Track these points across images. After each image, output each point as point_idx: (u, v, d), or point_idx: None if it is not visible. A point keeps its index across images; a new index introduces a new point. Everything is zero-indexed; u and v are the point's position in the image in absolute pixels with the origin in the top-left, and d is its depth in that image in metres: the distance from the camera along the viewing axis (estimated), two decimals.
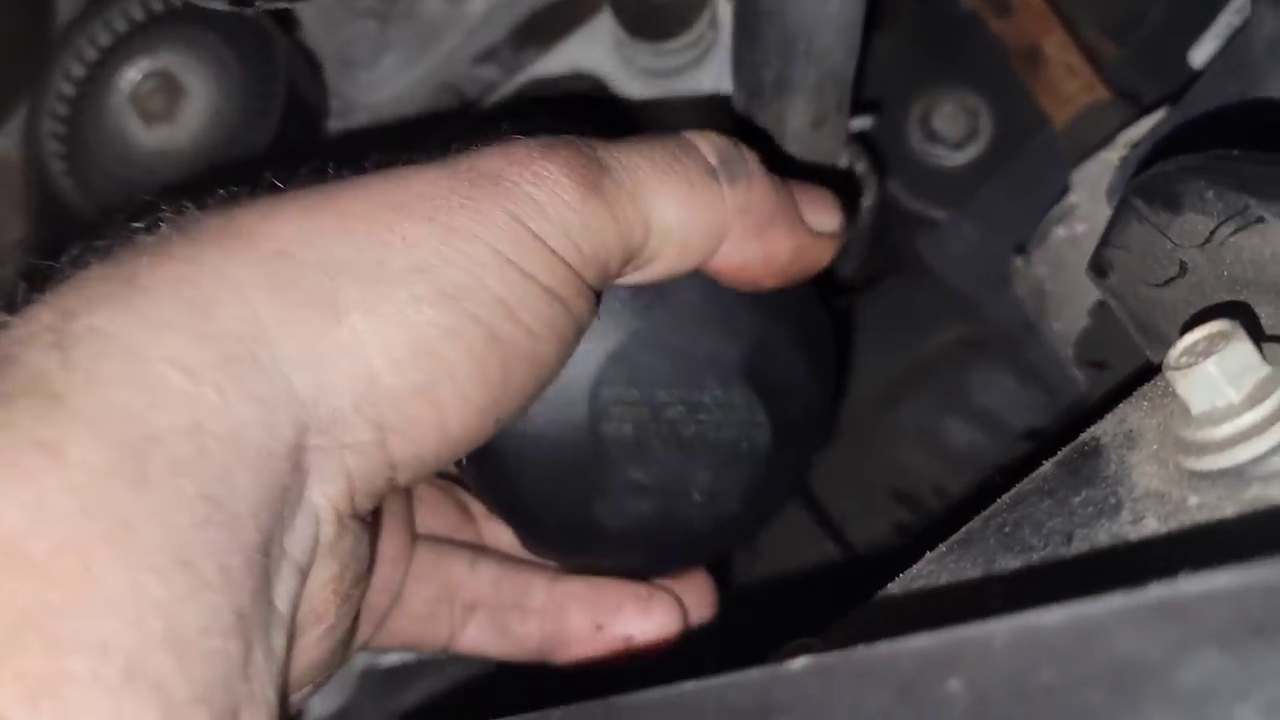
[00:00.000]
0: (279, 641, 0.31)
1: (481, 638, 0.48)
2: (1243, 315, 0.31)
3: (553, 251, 0.36)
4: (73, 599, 0.27)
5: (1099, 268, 0.42)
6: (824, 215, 0.44)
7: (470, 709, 0.53)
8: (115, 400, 0.29)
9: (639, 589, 0.48)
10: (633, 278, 0.41)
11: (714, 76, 0.67)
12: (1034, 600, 0.23)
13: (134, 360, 0.30)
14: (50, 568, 0.27)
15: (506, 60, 0.75)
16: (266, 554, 0.31)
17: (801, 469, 0.49)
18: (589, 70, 0.69)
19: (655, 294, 0.42)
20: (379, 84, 0.71)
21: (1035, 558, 0.31)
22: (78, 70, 0.65)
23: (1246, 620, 0.19)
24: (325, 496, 0.33)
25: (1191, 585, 0.20)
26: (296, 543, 0.32)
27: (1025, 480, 0.35)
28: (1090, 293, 0.60)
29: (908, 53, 0.83)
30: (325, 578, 0.34)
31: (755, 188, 0.41)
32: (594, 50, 0.69)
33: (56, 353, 0.30)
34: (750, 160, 0.42)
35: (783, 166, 0.44)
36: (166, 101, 0.64)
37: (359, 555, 0.36)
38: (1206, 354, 0.29)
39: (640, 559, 0.47)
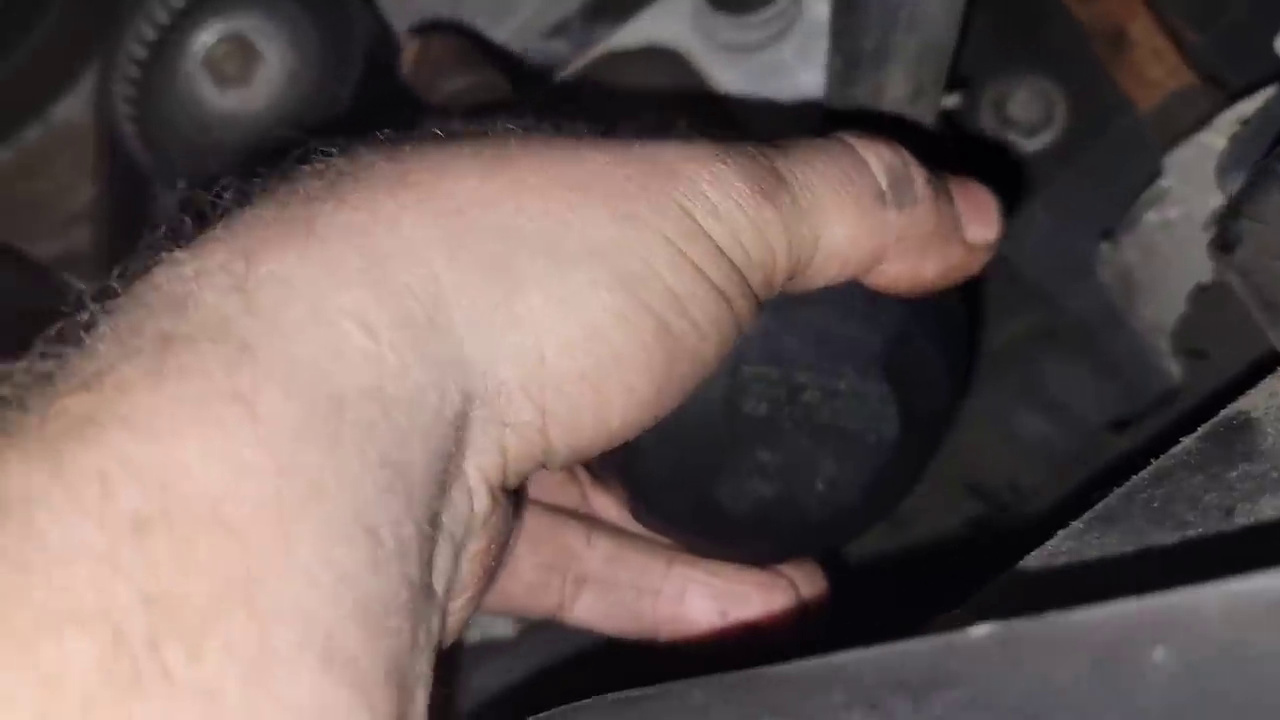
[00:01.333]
0: (436, 624, 0.31)
1: (594, 612, 0.47)
2: None
3: (720, 250, 0.35)
4: (274, 568, 0.26)
5: (1225, 242, 0.40)
6: (983, 226, 0.43)
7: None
8: (303, 354, 0.28)
9: (760, 575, 0.47)
10: (788, 286, 0.40)
11: (795, 50, 0.66)
12: (1205, 574, 0.21)
13: (317, 312, 0.29)
14: (251, 533, 0.26)
15: (577, 34, 0.74)
16: (434, 525, 0.30)
17: (922, 466, 0.47)
18: (666, 44, 0.68)
19: None
20: None
21: (1193, 533, 0.29)
22: (149, 33, 0.64)
23: None
24: (480, 470, 0.32)
25: None
26: (453, 515, 0.32)
27: (1164, 456, 0.34)
28: (1186, 279, 0.59)
29: (982, 36, 0.82)
30: (474, 550, 0.34)
31: (920, 213, 0.40)
32: (671, 23, 0.68)
33: (238, 296, 0.29)
34: (918, 180, 0.41)
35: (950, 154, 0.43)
36: (241, 65, 0.63)
37: (506, 528, 0.35)
38: None
39: (753, 543, 0.46)
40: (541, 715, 0.31)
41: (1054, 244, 0.79)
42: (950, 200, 0.42)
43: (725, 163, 0.36)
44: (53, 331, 0.29)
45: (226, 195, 0.33)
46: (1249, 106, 0.56)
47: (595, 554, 0.47)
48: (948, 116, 0.67)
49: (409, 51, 0.62)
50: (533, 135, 0.36)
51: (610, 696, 0.30)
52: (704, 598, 0.47)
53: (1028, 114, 0.82)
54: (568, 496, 0.49)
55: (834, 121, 0.55)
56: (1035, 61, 0.81)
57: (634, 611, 0.47)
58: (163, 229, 0.32)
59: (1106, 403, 0.73)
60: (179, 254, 0.30)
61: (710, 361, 0.37)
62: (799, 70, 0.66)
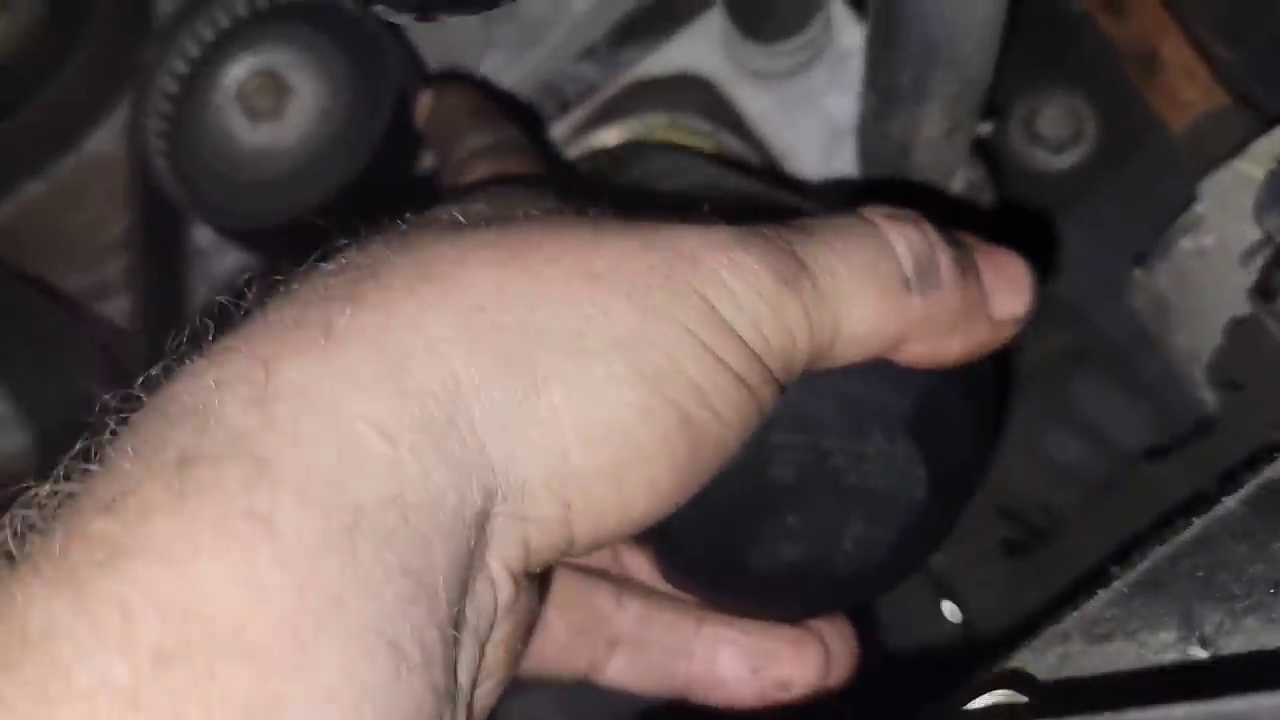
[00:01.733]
0: (462, 715, 0.31)
1: (627, 673, 0.47)
2: None
3: (742, 340, 0.35)
4: (295, 690, 0.26)
5: (1267, 290, 0.40)
6: (1012, 299, 0.42)
7: None
8: (320, 466, 0.28)
9: (791, 633, 0.47)
10: (809, 367, 0.40)
11: (826, 78, 0.66)
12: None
13: (335, 421, 0.29)
14: (270, 652, 0.26)
15: (605, 59, 0.74)
16: (456, 626, 0.30)
17: (951, 523, 0.47)
18: (696, 71, 0.68)
19: None
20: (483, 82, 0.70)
21: (1239, 607, 0.29)
22: (181, 67, 0.65)
23: None
24: (503, 563, 0.32)
25: None
26: (476, 611, 0.32)
27: (1206, 518, 0.34)
28: (1222, 309, 0.59)
29: (1012, 52, 0.82)
30: (500, 637, 0.34)
31: (945, 297, 0.40)
32: (701, 50, 0.68)
33: (257, 410, 0.29)
34: (944, 263, 0.40)
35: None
36: (273, 100, 0.63)
37: (532, 611, 0.36)
38: None
39: (783, 602, 0.46)
40: None
41: (1085, 263, 0.79)
42: (978, 277, 0.41)
43: (746, 250, 0.36)
44: (77, 450, 0.30)
45: (250, 294, 0.33)
46: None
47: (627, 615, 0.47)
48: (980, 144, 0.67)
49: (423, 105, 0.61)
50: (551, 218, 0.36)
51: None
52: (736, 656, 0.47)
53: (1057, 131, 0.82)
54: (598, 557, 0.49)
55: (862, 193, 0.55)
56: (1065, 78, 0.81)
57: (666, 672, 0.47)
58: (185, 333, 0.32)
59: (1140, 426, 0.73)
60: (200, 363, 0.31)
61: (732, 447, 0.37)
62: (828, 97, 0.66)
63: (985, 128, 0.63)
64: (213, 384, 0.29)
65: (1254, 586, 0.30)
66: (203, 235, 0.69)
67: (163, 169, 0.64)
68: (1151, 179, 0.76)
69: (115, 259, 0.68)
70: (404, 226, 0.36)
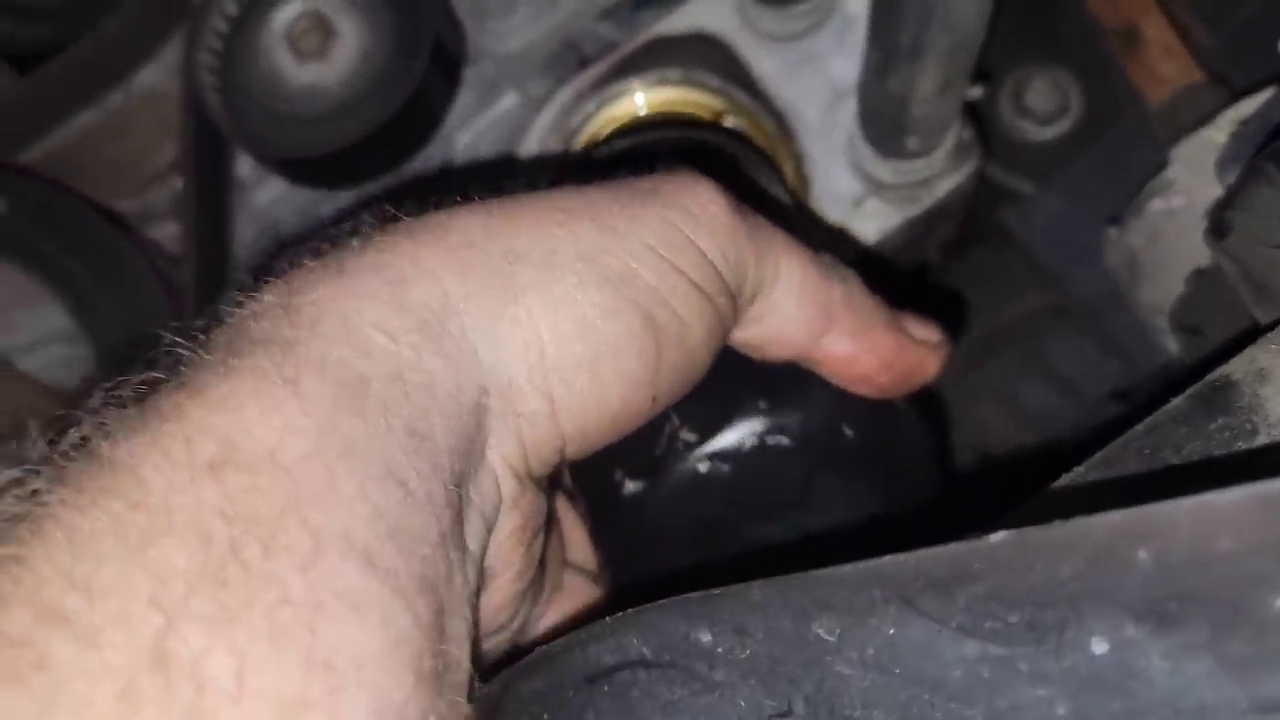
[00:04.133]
0: (472, 574, 0.36)
1: None
2: None
3: (702, 252, 0.41)
4: (320, 498, 0.32)
5: (1219, 229, 0.45)
6: (925, 329, 0.48)
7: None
8: (334, 351, 0.34)
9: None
10: (743, 333, 0.45)
11: (832, 41, 0.71)
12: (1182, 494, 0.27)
13: (346, 324, 0.35)
14: (300, 472, 0.32)
15: (626, 19, 0.78)
16: (460, 489, 0.35)
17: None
18: (710, 31, 0.72)
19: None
20: (509, 35, 0.74)
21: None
22: (232, 8, 0.69)
23: None
24: (502, 457, 0.38)
25: None
26: (481, 493, 0.37)
27: (1157, 413, 0.39)
28: (1185, 263, 0.64)
29: (1004, 28, 0.86)
30: (510, 528, 0.39)
31: (858, 291, 0.46)
32: (716, 11, 0.72)
33: (285, 316, 0.35)
34: (852, 275, 0.46)
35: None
36: (319, 41, 0.67)
37: (539, 510, 0.40)
38: None
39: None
40: (619, 615, 0.36)
41: (1064, 227, 0.84)
42: (887, 304, 0.47)
43: (706, 184, 0.42)
44: (149, 363, 0.36)
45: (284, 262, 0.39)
46: (1249, 106, 0.61)
47: None
48: (971, 108, 0.72)
49: None
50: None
51: (682, 597, 0.35)
52: None
53: (1044, 104, 0.87)
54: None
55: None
56: (1052, 54, 0.86)
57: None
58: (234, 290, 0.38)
59: (1109, 377, 0.78)
60: (243, 301, 0.37)
61: (698, 350, 0.41)
62: (834, 59, 0.71)
63: (976, 91, 0.67)
64: (250, 311, 0.36)
65: (1189, 459, 0.35)
66: (244, 168, 0.73)
67: (212, 102, 0.68)
68: (1129, 149, 0.81)
69: (163, 186, 0.73)
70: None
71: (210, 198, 0.70)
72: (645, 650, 0.35)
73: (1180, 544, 0.26)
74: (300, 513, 0.32)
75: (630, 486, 0.48)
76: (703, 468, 0.47)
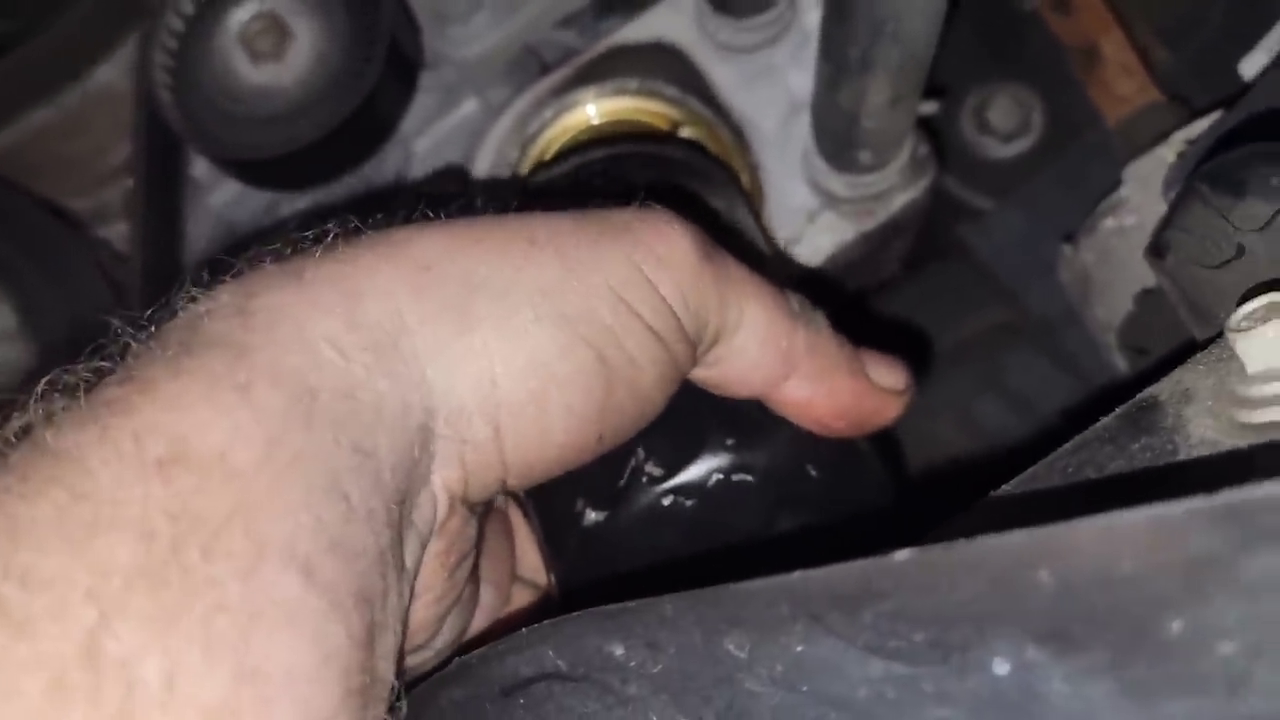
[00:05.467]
0: (405, 592, 0.36)
1: None
2: None
3: (662, 297, 0.40)
4: (266, 505, 0.32)
5: (1158, 249, 0.45)
6: (890, 374, 0.48)
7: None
8: (286, 360, 0.34)
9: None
10: (703, 373, 0.44)
11: (788, 54, 0.71)
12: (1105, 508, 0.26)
13: (300, 334, 0.35)
14: (247, 476, 0.32)
15: (587, 27, 0.78)
16: (401, 509, 0.35)
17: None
18: (669, 41, 0.72)
19: None
20: (469, 40, 0.74)
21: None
22: (188, 8, 0.69)
23: None
24: (443, 479, 0.37)
25: (1256, 492, 0.23)
26: (420, 514, 0.37)
27: (1085, 432, 0.39)
28: (1135, 282, 0.64)
29: (967, 46, 0.87)
30: (435, 551, 0.39)
31: (824, 336, 0.45)
32: (676, 21, 0.72)
33: (239, 318, 0.35)
34: (820, 317, 0.46)
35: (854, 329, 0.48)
36: (274, 42, 0.67)
37: (466, 537, 0.40)
38: (1265, 319, 0.33)
39: None
40: (536, 626, 0.36)
41: (1023, 245, 0.84)
42: (855, 349, 0.47)
43: (676, 225, 0.41)
44: (90, 350, 0.36)
45: (242, 260, 0.39)
46: (1201, 126, 0.61)
47: None
48: (926, 123, 0.72)
49: None
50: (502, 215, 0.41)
51: (598, 609, 0.35)
52: None
53: (1006, 121, 0.87)
54: None
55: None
56: (1015, 72, 0.86)
57: None
58: (188, 284, 0.37)
59: (1061, 394, 0.78)
60: (197, 296, 0.37)
61: (650, 392, 0.41)
62: (790, 72, 0.71)
63: (929, 107, 0.67)
64: (204, 308, 0.36)
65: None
66: (199, 168, 0.73)
67: (166, 102, 0.68)
68: (1088, 167, 0.81)
69: (115, 185, 0.72)
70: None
71: (160, 197, 0.70)
72: (560, 663, 0.35)
73: (1082, 566, 0.25)
74: (245, 519, 0.32)
75: (592, 516, 0.48)
76: (665, 501, 0.47)
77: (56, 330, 0.68)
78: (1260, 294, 0.34)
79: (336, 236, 0.39)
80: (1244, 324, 0.33)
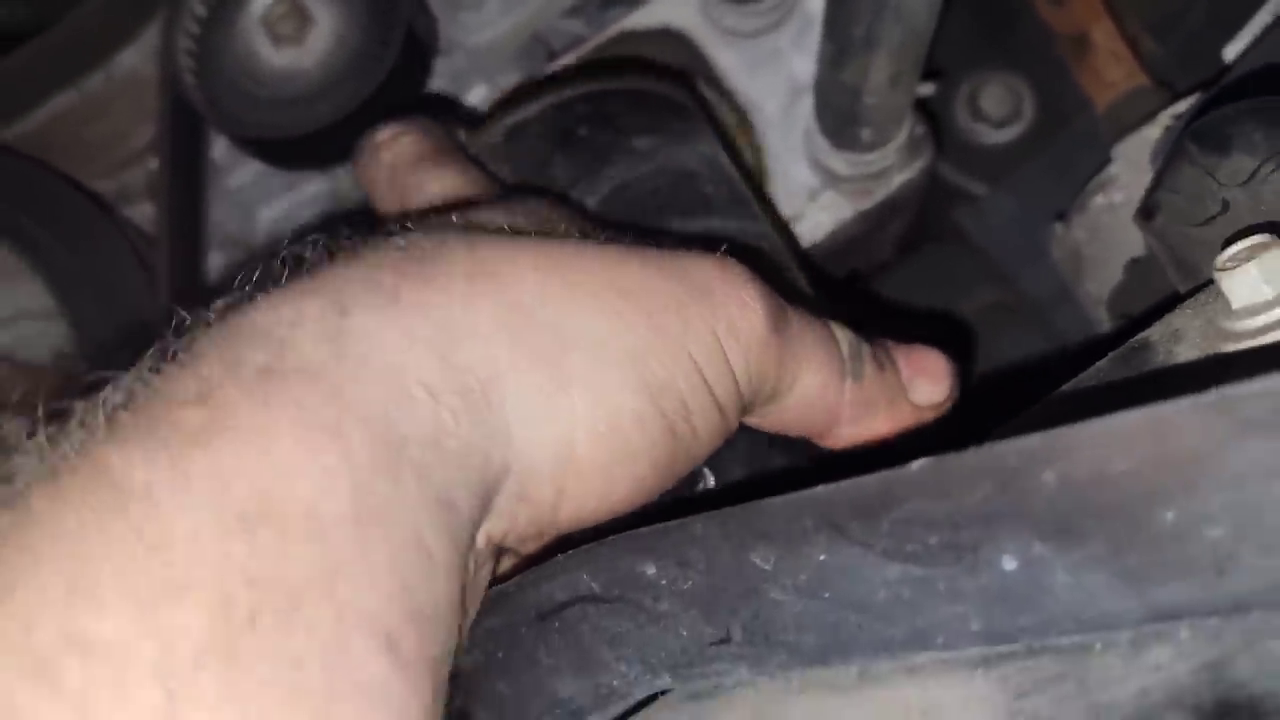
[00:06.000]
0: (457, 636, 0.35)
1: None
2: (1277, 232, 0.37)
3: (733, 373, 0.40)
4: (351, 568, 0.30)
5: (1147, 211, 0.48)
6: (932, 388, 0.48)
7: None
8: (378, 401, 0.32)
9: None
10: (757, 421, 0.45)
11: (791, 39, 0.74)
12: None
13: (393, 372, 0.33)
14: (334, 537, 0.30)
15: (594, 15, 0.81)
16: (465, 558, 0.35)
17: None
18: (675, 27, 0.75)
19: None
20: (480, 27, 0.77)
21: None
22: None
23: None
24: (488, 531, 0.36)
25: (1239, 388, 0.26)
26: (476, 562, 0.36)
27: (1080, 375, 0.42)
28: (1124, 254, 0.67)
29: (960, 34, 0.89)
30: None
31: (867, 385, 0.46)
32: (681, 8, 0.75)
33: (329, 345, 0.33)
34: (866, 357, 0.46)
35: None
36: (295, 26, 0.70)
37: (484, 586, 0.40)
38: (1248, 259, 0.35)
39: None
40: (571, 553, 0.38)
41: (1015, 227, 0.87)
42: (896, 371, 0.47)
43: (752, 291, 0.41)
44: (154, 350, 0.33)
45: (314, 250, 0.37)
46: (1185, 104, 0.64)
47: None
48: (923, 104, 0.74)
49: (367, 156, 0.54)
50: (586, 239, 0.41)
51: (630, 533, 0.37)
52: None
53: (998, 108, 0.90)
54: None
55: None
56: (1007, 60, 0.89)
57: None
58: (256, 273, 0.36)
59: (1053, 372, 0.80)
60: (277, 299, 0.34)
61: (701, 459, 0.42)
62: (793, 57, 0.73)
63: (927, 88, 0.70)
64: (290, 320, 0.33)
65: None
66: (219, 150, 0.75)
67: (190, 84, 0.70)
68: (1078, 152, 0.84)
69: (139, 167, 0.75)
70: (456, 221, 0.41)
71: (185, 177, 0.72)
72: (594, 585, 0.37)
73: (1082, 465, 0.28)
74: (329, 584, 0.30)
75: None
76: None
77: (88, 309, 0.70)
78: (1244, 237, 0.37)
79: (427, 251, 0.37)
80: (1229, 263, 0.36)
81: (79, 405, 0.32)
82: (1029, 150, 0.88)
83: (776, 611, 0.34)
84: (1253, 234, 0.36)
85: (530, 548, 0.41)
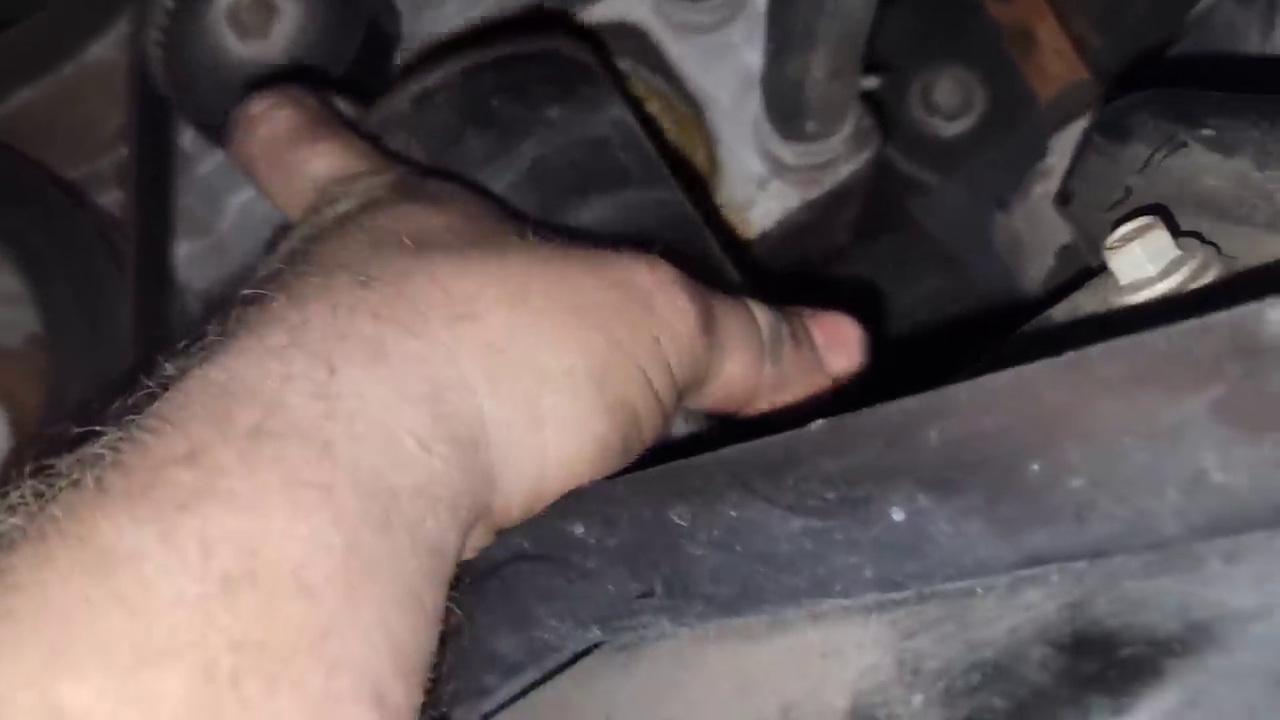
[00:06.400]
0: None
1: None
2: (1163, 214, 0.40)
3: (673, 375, 0.42)
4: (340, 626, 0.31)
5: (1064, 197, 0.50)
6: (845, 359, 0.50)
7: None
8: (368, 457, 0.33)
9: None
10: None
11: (742, 33, 0.76)
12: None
13: (383, 426, 0.34)
14: (321, 593, 0.31)
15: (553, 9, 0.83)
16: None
17: None
18: (630, 21, 0.77)
19: None
20: (442, 20, 0.79)
21: None
22: None
23: (1134, 371, 0.28)
24: (459, 550, 0.37)
25: (1093, 349, 0.28)
26: None
27: (985, 352, 0.44)
28: (1057, 241, 0.70)
29: (915, 30, 0.92)
30: None
31: (785, 363, 0.47)
32: (636, 4, 0.77)
33: (320, 404, 0.33)
34: (786, 339, 0.48)
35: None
36: (260, 19, 0.72)
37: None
38: (1134, 238, 0.38)
39: None
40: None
41: (965, 216, 0.90)
42: (812, 346, 0.49)
43: (685, 295, 0.42)
44: (131, 401, 0.34)
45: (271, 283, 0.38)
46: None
47: None
48: (873, 97, 0.77)
49: (241, 132, 0.51)
50: (532, 249, 0.41)
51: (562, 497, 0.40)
52: None
53: (950, 101, 0.93)
54: None
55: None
56: (959, 55, 0.92)
57: None
58: (219, 317, 0.36)
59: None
60: (263, 354, 0.34)
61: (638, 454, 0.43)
62: (744, 50, 0.76)
63: (871, 82, 0.73)
64: (278, 377, 0.34)
65: None
66: (188, 139, 0.77)
67: (160, 76, 0.72)
68: (1025, 144, 0.87)
69: (109, 153, 0.77)
70: (406, 241, 0.40)
71: (153, 165, 0.74)
72: (526, 544, 0.40)
73: (961, 422, 0.30)
74: (318, 642, 0.30)
75: None
76: None
77: (59, 294, 0.71)
78: (1133, 219, 0.39)
79: (396, 291, 0.37)
80: (1117, 243, 0.39)
81: (67, 461, 0.32)
82: (980, 142, 0.91)
83: (694, 565, 0.36)
84: (1141, 215, 0.39)
85: None
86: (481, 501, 0.37)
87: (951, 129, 0.93)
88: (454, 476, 0.35)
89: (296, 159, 0.48)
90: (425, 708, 0.34)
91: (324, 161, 0.48)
